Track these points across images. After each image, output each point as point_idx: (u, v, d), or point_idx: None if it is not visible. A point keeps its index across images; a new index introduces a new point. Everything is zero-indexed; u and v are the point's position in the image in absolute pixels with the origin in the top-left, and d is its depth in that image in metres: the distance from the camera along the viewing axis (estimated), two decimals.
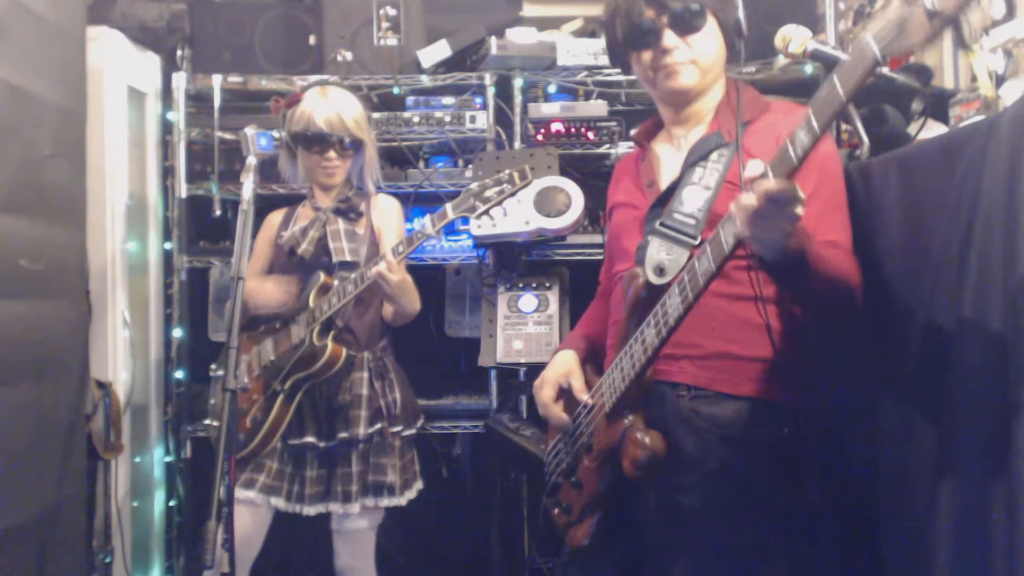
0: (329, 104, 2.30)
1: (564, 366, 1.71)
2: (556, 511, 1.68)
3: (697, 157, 1.55)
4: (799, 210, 1.19)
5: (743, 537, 1.47)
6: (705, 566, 1.48)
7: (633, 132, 1.79)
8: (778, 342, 1.48)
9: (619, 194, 1.76)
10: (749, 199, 1.20)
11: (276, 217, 2.49)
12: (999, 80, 2.09)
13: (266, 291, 2.38)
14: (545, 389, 1.71)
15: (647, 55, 1.59)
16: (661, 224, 1.51)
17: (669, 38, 1.54)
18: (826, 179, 1.51)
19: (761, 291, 1.49)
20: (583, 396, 1.63)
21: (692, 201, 1.49)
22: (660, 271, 1.45)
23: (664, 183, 1.61)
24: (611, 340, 1.64)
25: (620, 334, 1.53)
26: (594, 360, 1.73)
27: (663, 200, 1.57)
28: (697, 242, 1.45)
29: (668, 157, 1.66)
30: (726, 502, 1.47)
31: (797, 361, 1.52)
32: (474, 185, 2.09)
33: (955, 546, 1.25)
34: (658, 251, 1.47)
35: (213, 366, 2.22)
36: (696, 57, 1.56)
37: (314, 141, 2.30)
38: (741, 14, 1.53)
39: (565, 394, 1.70)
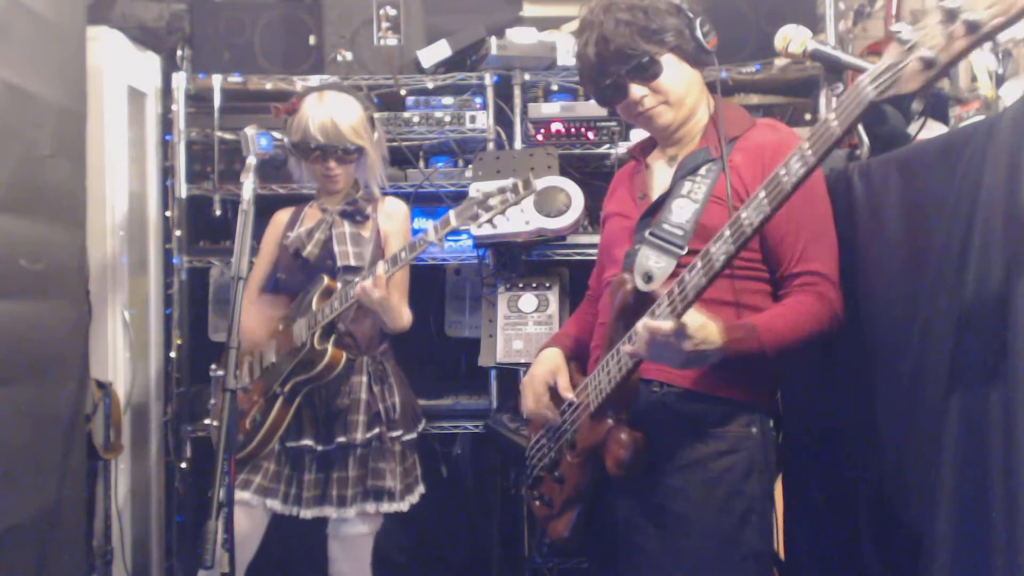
0: (324, 111, 2.26)
1: (551, 363, 1.78)
2: (537, 503, 1.76)
3: (686, 171, 1.63)
4: (687, 345, 1.35)
5: (712, 524, 1.55)
6: (677, 553, 1.56)
7: (629, 147, 1.88)
8: None
9: (613, 204, 1.85)
10: (644, 332, 1.38)
11: (283, 216, 2.48)
12: (999, 80, 2.09)
13: (247, 326, 2.34)
14: (537, 386, 1.77)
15: (621, 107, 1.70)
16: (651, 233, 1.58)
17: (635, 90, 1.64)
18: (810, 207, 1.57)
19: (740, 299, 1.57)
20: (568, 394, 1.69)
21: (681, 212, 1.57)
22: (648, 278, 1.52)
23: (655, 195, 1.69)
24: (596, 342, 1.72)
25: (606, 336, 1.60)
26: (578, 359, 1.80)
27: (653, 211, 1.65)
28: (684, 251, 1.53)
29: (661, 171, 1.74)
30: (696, 490, 1.56)
31: (769, 367, 1.61)
32: (478, 193, 2.08)
33: (955, 546, 1.25)
34: (647, 259, 1.55)
35: (213, 366, 2.21)
36: (666, 97, 1.65)
37: (311, 151, 2.28)
38: (700, 33, 1.62)
39: (550, 390, 1.75)
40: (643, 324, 1.39)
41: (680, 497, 1.56)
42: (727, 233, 1.34)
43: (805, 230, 1.56)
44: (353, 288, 2.15)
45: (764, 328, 1.48)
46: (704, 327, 1.40)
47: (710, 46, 1.64)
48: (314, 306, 2.23)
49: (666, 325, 1.35)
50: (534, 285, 2.70)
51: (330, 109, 2.27)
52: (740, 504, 1.56)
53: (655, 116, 1.67)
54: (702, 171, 1.61)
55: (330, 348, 2.18)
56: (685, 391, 1.58)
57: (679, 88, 1.66)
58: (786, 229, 1.56)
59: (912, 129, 2.02)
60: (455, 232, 2.12)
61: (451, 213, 2.09)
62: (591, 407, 1.61)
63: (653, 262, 1.53)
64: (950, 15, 1.04)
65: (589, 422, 1.61)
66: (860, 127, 1.94)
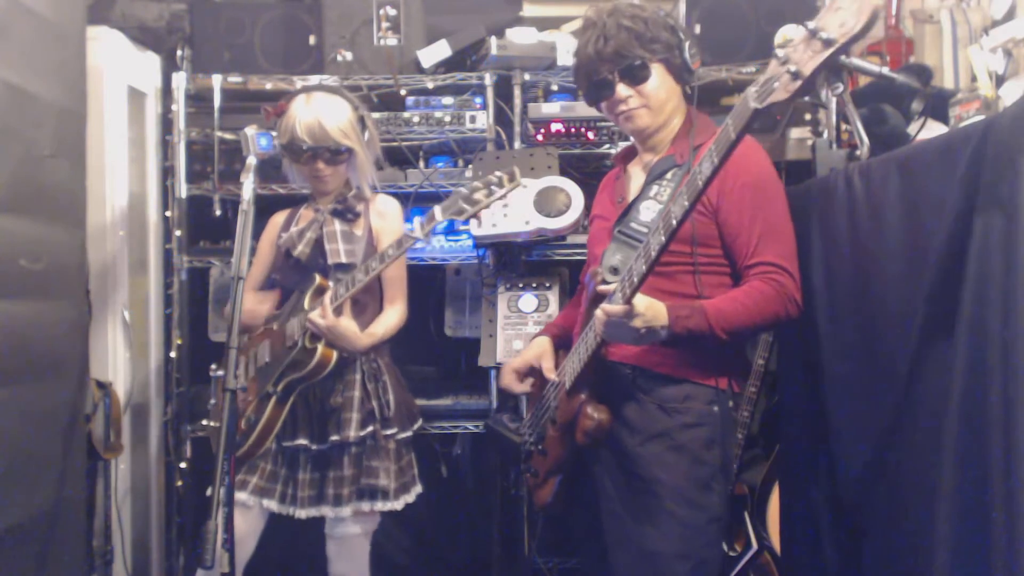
0: (311, 113, 2.24)
1: (537, 349, 2.00)
2: (528, 475, 1.96)
3: (655, 175, 1.81)
4: (637, 323, 1.56)
5: (679, 487, 1.73)
6: (649, 517, 1.74)
7: (613, 155, 2.05)
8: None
9: (597, 207, 2.05)
10: (601, 314, 1.57)
11: (279, 218, 2.48)
12: (999, 80, 2.09)
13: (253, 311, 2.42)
14: (514, 363, 2.01)
15: (606, 104, 1.86)
16: (619, 231, 1.78)
17: (622, 90, 1.81)
18: (762, 204, 1.73)
19: (704, 292, 1.74)
20: (551, 375, 1.91)
21: (647, 212, 1.76)
22: (614, 271, 1.69)
23: (632, 198, 1.86)
24: (577, 329, 1.87)
25: (582, 323, 1.80)
26: (565, 347, 1.96)
27: (628, 212, 1.82)
28: None
29: (637, 177, 1.92)
30: (664, 457, 1.74)
31: (729, 354, 1.79)
32: (463, 188, 2.10)
33: (955, 546, 1.25)
34: (613, 254, 1.73)
35: (213, 366, 2.22)
36: (647, 102, 1.82)
37: (300, 152, 2.27)
38: (687, 55, 1.80)
39: (538, 373, 1.97)
40: (600, 308, 1.58)
41: (649, 464, 1.74)
42: (660, 225, 1.53)
43: (758, 227, 1.71)
44: (351, 279, 2.16)
45: (713, 310, 1.64)
46: (651, 307, 1.59)
47: (694, 67, 1.82)
48: (306, 305, 2.23)
49: (617, 308, 1.54)
50: (534, 285, 2.70)
51: (317, 110, 2.25)
52: (703, 471, 1.74)
53: (635, 117, 1.83)
54: (668, 175, 1.78)
55: (320, 347, 2.17)
56: (654, 373, 1.76)
57: (661, 96, 1.82)
58: (740, 227, 1.72)
59: (912, 129, 2.02)
60: (454, 231, 2.13)
61: (436, 208, 2.10)
62: (566, 385, 1.80)
63: (619, 257, 1.70)
64: (812, 33, 1.25)
65: (566, 399, 1.80)
66: (860, 127, 1.95)
